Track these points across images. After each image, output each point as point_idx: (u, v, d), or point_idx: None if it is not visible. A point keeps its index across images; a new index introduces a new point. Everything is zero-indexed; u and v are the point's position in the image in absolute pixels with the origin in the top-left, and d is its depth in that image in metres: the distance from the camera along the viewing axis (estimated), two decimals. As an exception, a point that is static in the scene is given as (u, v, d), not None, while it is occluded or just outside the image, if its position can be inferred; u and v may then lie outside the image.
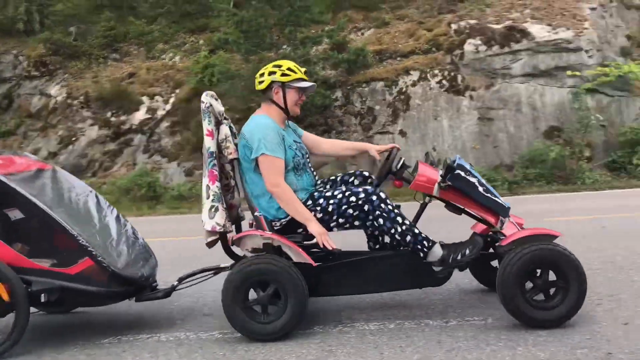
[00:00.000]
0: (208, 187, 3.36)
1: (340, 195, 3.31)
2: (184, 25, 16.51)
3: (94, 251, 3.28)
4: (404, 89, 12.79)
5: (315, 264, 3.21)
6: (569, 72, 12.09)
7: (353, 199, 3.27)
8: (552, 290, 3.13)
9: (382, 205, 3.25)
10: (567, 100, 12.09)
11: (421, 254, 3.28)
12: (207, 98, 3.43)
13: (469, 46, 12.80)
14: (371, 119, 12.76)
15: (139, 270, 3.56)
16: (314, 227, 3.25)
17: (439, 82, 12.70)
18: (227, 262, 3.63)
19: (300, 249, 3.21)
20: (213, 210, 3.33)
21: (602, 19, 13.20)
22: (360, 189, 3.31)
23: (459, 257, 3.26)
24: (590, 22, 12.71)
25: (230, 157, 3.45)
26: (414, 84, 12.79)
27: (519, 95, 12.32)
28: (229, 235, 3.42)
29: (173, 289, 3.63)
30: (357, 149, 3.91)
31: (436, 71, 12.80)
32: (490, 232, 3.47)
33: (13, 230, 3.65)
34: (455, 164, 3.27)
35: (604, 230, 6.15)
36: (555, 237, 3.27)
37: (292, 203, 3.26)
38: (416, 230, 3.28)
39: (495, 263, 3.65)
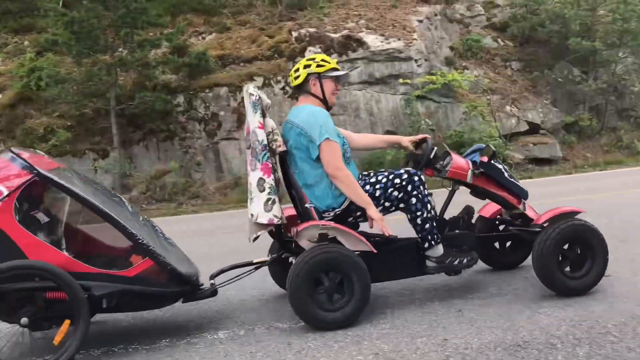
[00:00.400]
0: (262, 180, 3.38)
1: (384, 180, 3.52)
2: (5, 25, 14.94)
3: (155, 251, 3.20)
4: (248, 95, 12.89)
5: (375, 251, 3.37)
6: (401, 80, 13.17)
7: (397, 180, 3.50)
8: (581, 262, 3.59)
9: (421, 187, 3.50)
10: (400, 106, 13.16)
11: (426, 245, 3.54)
12: (256, 90, 3.51)
13: (309, 54, 13.33)
14: (216, 125, 12.70)
15: (190, 269, 3.49)
16: (374, 212, 3.41)
17: (283, 88, 13.04)
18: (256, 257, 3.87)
19: (362, 237, 3.39)
20: (270, 202, 3.36)
21: (429, 30, 14.58)
22: (402, 171, 3.56)
23: (455, 263, 3.60)
24: (419, 33, 13.97)
25: (280, 149, 3.48)
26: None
27: (358, 102, 13.12)
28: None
29: (216, 287, 3.57)
30: (389, 142, 4.27)
31: (279, 77, 13.13)
32: (499, 216, 4.05)
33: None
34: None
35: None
36: (579, 212, 3.77)
37: (354, 186, 3.40)
38: (434, 223, 3.55)
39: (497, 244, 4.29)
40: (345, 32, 13.67)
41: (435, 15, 15.23)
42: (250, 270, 3.82)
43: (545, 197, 8.58)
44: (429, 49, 14.01)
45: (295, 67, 3.65)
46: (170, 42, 12.57)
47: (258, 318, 3.71)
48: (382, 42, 13.41)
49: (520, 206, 3.84)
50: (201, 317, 3.82)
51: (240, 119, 12.63)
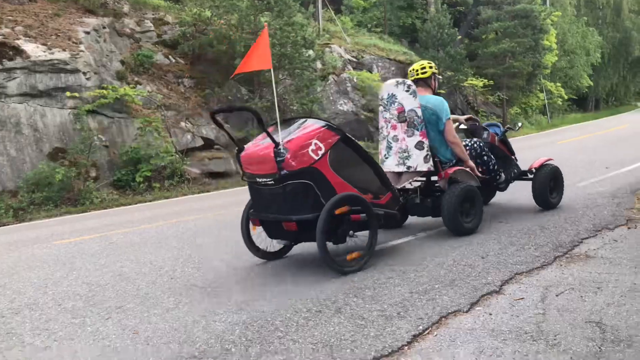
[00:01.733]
0: (422, 142, 5.93)
1: (469, 145, 6.58)
2: None
3: (394, 188, 5.71)
4: None
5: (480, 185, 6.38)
6: (68, 93, 12.98)
7: (475, 145, 6.61)
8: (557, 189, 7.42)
9: (485, 148, 6.70)
10: (69, 121, 12.97)
11: (497, 178, 6.84)
12: (411, 82, 6.08)
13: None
14: None
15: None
16: (471, 163, 6.31)
17: None
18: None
19: (475, 177, 6.40)
20: (428, 157, 5.97)
21: (97, 43, 14.70)
22: (475, 139, 6.74)
23: (506, 179, 7.03)
24: (86, 45, 13.99)
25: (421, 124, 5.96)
26: None
27: (18, 116, 12.45)
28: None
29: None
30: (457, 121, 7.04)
31: None
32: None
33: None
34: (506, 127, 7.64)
35: (112, 245, 7.22)
36: (551, 160, 7.58)
37: (461, 148, 6.20)
38: (496, 167, 6.80)
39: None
40: (-1, 38, 12.79)
41: (104, 27, 15.42)
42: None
43: (224, 207, 9.76)
44: (98, 62, 14.15)
45: (422, 64, 6.30)
46: None
47: None
48: (44, 51, 13.01)
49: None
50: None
51: None
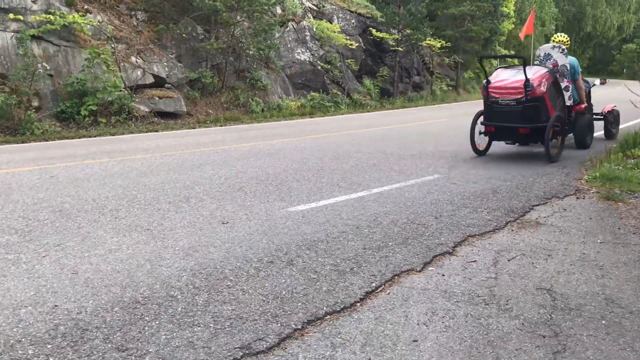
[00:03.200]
0: (568, 86, 8.77)
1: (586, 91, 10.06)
2: None
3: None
4: None
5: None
6: (11, 15, 12.08)
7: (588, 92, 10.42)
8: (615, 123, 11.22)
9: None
10: (11, 45, 12.10)
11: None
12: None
13: None
14: None
15: None
16: (585, 103, 9.64)
17: None
18: None
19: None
20: (570, 96, 8.88)
21: (44, -37, 13.61)
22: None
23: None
24: (32, -36, 12.93)
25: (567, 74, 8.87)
26: None
27: (-45, 35, 11.49)
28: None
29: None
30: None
31: None
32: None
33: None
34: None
35: (53, 179, 6.80)
36: (615, 107, 11.20)
37: (584, 93, 9.45)
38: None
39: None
40: None
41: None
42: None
43: (173, 148, 9.38)
44: (45, -16, 13.15)
45: (567, 37, 9.54)
46: None
47: None
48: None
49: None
50: None
51: None
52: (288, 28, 20.59)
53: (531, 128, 7.99)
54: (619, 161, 7.63)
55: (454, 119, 16.29)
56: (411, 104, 23.56)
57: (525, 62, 8.05)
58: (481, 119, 8.56)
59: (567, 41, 9.45)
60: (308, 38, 21.24)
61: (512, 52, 39.22)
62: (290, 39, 20.69)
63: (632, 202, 5.86)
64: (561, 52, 8.83)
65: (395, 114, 19.08)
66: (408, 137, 11.43)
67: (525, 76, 7.83)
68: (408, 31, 23.88)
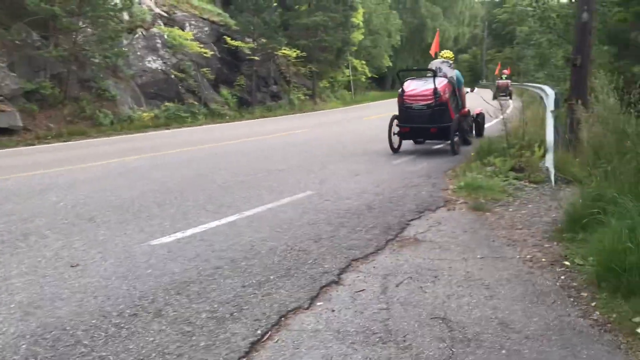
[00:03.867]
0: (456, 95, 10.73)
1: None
2: None
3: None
4: None
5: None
6: None
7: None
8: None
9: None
10: None
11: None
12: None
13: None
14: None
15: None
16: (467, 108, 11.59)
17: None
18: None
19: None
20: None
21: None
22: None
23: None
24: None
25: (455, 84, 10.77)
26: None
27: None
28: None
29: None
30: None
31: None
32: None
33: None
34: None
35: None
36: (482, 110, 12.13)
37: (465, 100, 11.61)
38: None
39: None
40: None
41: None
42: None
43: (11, 170, 8.16)
44: None
45: (451, 54, 11.44)
46: None
47: None
48: None
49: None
50: None
51: None
52: (137, 35, 19.39)
53: (438, 128, 9.71)
54: (478, 170, 7.89)
55: (315, 128, 16.30)
56: (270, 113, 23.36)
57: (435, 75, 9.93)
58: (396, 121, 10.16)
59: (452, 57, 11.32)
60: (159, 46, 20.18)
61: (386, 64, 41.07)
62: (139, 46, 19.51)
63: (497, 211, 5.97)
64: (449, 66, 10.64)
65: (256, 124, 18.72)
66: (272, 149, 11.09)
67: (434, 86, 9.64)
68: (263, 40, 23.68)
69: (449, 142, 9.85)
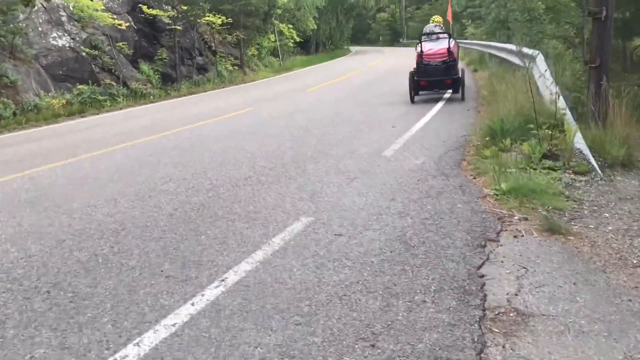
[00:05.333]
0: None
1: None
2: None
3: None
4: None
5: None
6: None
7: None
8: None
9: None
10: None
11: None
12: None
13: None
14: None
15: None
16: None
17: None
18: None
19: None
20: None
21: None
22: None
23: None
24: None
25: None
26: None
27: None
28: None
29: None
30: None
31: None
32: None
33: None
34: None
35: None
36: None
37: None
38: None
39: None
40: None
41: None
42: None
43: None
44: None
45: (440, 18, 13.62)
46: None
47: None
48: None
49: None
50: None
51: None
52: (36, 8, 16.16)
53: (452, 79, 11.68)
54: (496, 156, 6.16)
55: (258, 106, 13.98)
56: (199, 88, 20.74)
57: (450, 37, 11.99)
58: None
59: (441, 20, 13.38)
60: (64, 19, 17.06)
61: (311, 26, 38.64)
62: (40, 20, 16.35)
63: (580, 233, 4.21)
64: (441, 29, 12.72)
65: (185, 104, 16.19)
66: (223, 143, 8.79)
67: (448, 45, 11.58)
68: (184, 7, 20.84)
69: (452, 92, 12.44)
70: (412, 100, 11.88)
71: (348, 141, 8.13)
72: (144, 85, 18.40)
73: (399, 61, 31.64)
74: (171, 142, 9.12)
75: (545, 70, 8.43)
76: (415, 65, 11.87)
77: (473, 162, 6.32)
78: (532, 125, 6.49)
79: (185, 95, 19.14)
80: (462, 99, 11.79)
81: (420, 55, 11.63)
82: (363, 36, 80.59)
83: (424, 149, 7.24)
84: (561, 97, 7.03)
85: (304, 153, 7.41)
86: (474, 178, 5.74)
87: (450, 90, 12.34)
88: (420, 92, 12.15)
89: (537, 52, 9.74)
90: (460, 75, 11.80)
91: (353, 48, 60.41)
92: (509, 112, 7.76)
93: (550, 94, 7.30)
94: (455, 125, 8.99)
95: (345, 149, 7.57)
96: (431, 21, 13.29)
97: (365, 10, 64.23)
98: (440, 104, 11.61)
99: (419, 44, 11.77)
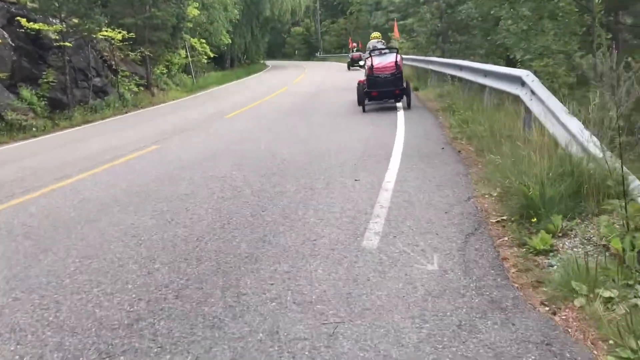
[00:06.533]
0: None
1: None
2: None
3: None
4: None
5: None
6: None
7: None
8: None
9: None
10: None
11: None
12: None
13: None
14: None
15: None
16: None
17: None
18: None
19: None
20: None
21: None
22: None
23: None
24: None
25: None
26: None
27: None
28: None
29: None
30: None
31: None
32: None
33: None
34: None
35: None
36: None
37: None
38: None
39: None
40: None
41: None
42: None
43: None
44: None
45: (379, 34, 15.33)
46: None
47: None
48: None
49: None
50: None
51: None
52: None
53: (400, 89, 12.68)
54: (542, 245, 3.67)
55: (170, 141, 10.84)
56: (96, 115, 17.28)
57: (397, 52, 13.17)
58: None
59: (380, 35, 15.07)
60: None
61: (225, 41, 35.45)
62: None
63: None
64: (382, 44, 14.23)
65: (73, 139, 12.77)
66: (88, 223, 5.76)
67: (396, 59, 12.72)
68: (75, 20, 17.35)
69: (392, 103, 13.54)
70: (364, 110, 12.99)
71: (300, 211, 5.37)
72: (24, 115, 14.77)
73: (326, 77, 29.30)
74: (19, 218, 5.96)
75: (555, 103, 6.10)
76: (364, 78, 13.26)
77: (523, 265, 3.75)
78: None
79: (78, 125, 15.68)
80: (408, 107, 12.90)
81: (371, 68, 12.76)
82: (278, 50, 78.15)
83: (424, 230, 4.60)
84: (595, 143, 4.60)
85: (229, 252, 4.48)
86: (554, 314, 3.14)
87: (394, 101, 13.47)
88: (367, 102, 13.13)
89: (527, 72, 7.42)
90: (406, 86, 12.86)
91: (269, 62, 57.86)
92: (524, 159, 5.29)
93: (573, 138, 4.98)
94: (440, 174, 6.48)
95: (299, 233, 4.76)
96: (372, 38, 14.92)
97: (280, 24, 61.87)
98: (400, 136, 9.15)
99: (368, 58, 12.98)
